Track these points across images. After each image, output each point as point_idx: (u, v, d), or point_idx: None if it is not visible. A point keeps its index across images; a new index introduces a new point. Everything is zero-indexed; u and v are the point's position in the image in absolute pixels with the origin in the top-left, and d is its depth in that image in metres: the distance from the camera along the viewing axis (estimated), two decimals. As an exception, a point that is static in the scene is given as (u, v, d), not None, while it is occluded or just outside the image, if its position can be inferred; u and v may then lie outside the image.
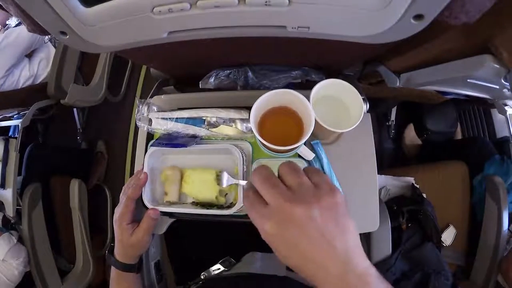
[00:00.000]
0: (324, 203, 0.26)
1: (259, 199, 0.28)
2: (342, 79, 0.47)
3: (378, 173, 0.53)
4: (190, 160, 0.53)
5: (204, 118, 0.50)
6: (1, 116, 1.17)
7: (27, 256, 0.94)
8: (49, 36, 1.11)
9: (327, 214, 0.26)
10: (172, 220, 0.55)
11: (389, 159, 1.31)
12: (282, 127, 0.47)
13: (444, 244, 0.85)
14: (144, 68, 1.56)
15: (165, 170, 0.51)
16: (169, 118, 0.51)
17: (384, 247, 0.61)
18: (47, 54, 1.14)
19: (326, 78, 0.47)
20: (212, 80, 0.59)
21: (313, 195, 0.27)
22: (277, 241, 0.27)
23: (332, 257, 0.25)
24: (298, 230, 0.26)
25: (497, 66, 0.50)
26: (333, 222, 0.26)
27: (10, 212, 0.97)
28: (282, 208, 0.26)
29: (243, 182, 0.47)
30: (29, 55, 1.11)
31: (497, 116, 1.12)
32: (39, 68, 1.11)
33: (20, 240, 0.97)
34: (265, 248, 0.58)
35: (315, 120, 0.42)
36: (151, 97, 0.58)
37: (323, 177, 0.29)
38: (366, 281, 0.25)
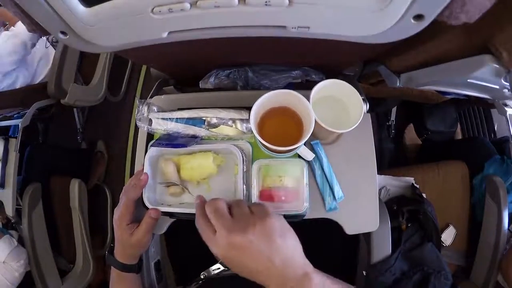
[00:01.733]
0: (258, 227, 0.34)
1: (208, 226, 0.36)
2: (342, 79, 0.47)
3: (378, 173, 0.53)
4: (189, 160, 0.53)
5: (204, 118, 0.50)
6: (1, 116, 1.17)
7: (27, 258, 0.94)
8: (47, 41, 1.11)
9: (261, 236, 0.33)
10: (172, 220, 0.55)
11: (389, 159, 1.31)
12: (282, 127, 0.47)
13: (444, 244, 0.85)
14: (144, 68, 1.56)
15: (161, 163, 0.52)
16: (169, 118, 0.51)
17: (384, 247, 0.61)
18: (47, 53, 1.14)
19: (326, 78, 0.47)
20: (212, 80, 0.59)
21: (249, 222, 0.34)
22: (227, 261, 0.35)
23: (272, 271, 0.33)
24: (240, 253, 0.33)
25: (497, 66, 0.50)
26: (267, 241, 0.33)
27: (9, 212, 0.97)
28: (226, 237, 0.33)
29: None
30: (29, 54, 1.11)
31: (497, 116, 1.12)
32: (39, 68, 1.11)
33: (20, 240, 0.97)
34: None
35: (315, 121, 0.42)
36: (151, 97, 0.58)
37: (261, 206, 0.37)
38: (303, 283, 0.32)
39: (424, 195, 0.85)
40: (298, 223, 0.42)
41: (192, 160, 0.51)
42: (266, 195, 0.47)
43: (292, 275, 0.32)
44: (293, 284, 0.32)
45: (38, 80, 1.13)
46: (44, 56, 1.13)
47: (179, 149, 0.50)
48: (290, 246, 0.34)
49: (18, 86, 1.07)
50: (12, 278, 0.88)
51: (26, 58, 1.08)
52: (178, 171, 0.51)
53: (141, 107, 0.52)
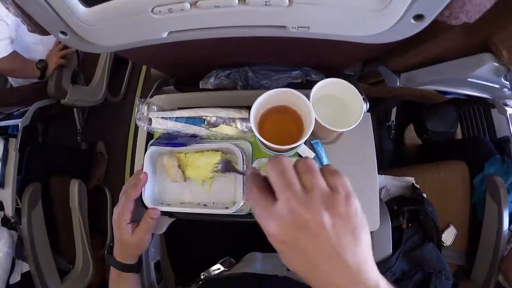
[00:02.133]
0: (337, 211, 0.24)
1: (265, 195, 0.26)
2: (342, 79, 0.47)
3: (378, 173, 0.53)
4: (189, 159, 0.53)
5: (204, 117, 0.50)
6: (1, 116, 1.17)
7: (10, 238, 0.92)
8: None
9: (340, 223, 0.24)
10: (172, 220, 0.55)
11: (389, 159, 1.31)
12: (282, 126, 0.46)
13: (444, 244, 0.85)
14: (144, 68, 1.56)
15: (164, 158, 0.52)
16: (169, 117, 0.51)
17: (384, 247, 0.60)
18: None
19: (326, 78, 0.47)
20: (212, 80, 0.59)
21: (328, 201, 0.24)
22: (283, 246, 0.25)
23: (342, 271, 0.24)
24: (308, 238, 0.24)
25: (497, 65, 0.50)
26: (346, 233, 0.24)
27: (9, 211, 0.97)
28: (294, 211, 0.24)
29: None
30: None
31: (497, 116, 1.12)
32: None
33: (20, 239, 0.97)
34: (265, 248, 0.58)
35: (315, 120, 0.42)
36: (151, 97, 0.58)
37: (341, 179, 0.26)
38: None
39: (424, 195, 0.85)
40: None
41: (200, 158, 0.50)
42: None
43: (364, 280, 0.24)
44: None
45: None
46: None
47: (184, 147, 0.50)
48: (368, 245, 0.25)
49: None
50: None
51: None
52: (184, 169, 0.51)
53: (141, 106, 0.52)
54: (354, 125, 0.44)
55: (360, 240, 0.24)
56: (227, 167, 0.46)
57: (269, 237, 0.25)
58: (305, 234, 0.24)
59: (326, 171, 0.26)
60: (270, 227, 0.25)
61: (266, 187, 0.26)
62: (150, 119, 0.52)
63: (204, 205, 0.51)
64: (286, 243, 0.25)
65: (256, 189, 0.26)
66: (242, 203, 0.47)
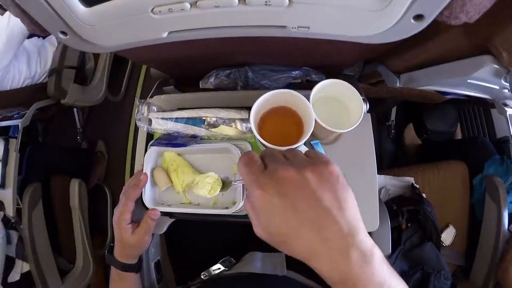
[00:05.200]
0: (319, 170, 0.25)
1: (256, 161, 0.28)
2: (342, 79, 0.47)
3: (378, 173, 0.53)
4: (189, 160, 0.53)
5: (204, 118, 0.50)
6: (1, 116, 1.17)
7: (3, 229, 0.91)
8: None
9: (323, 182, 0.25)
10: (172, 220, 0.55)
11: (389, 159, 1.31)
12: (282, 127, 0.47)
13: (443, 244, 0.85)
14: (144, 68, 1.56)
15: (165, 156, 0.52)
16: (169, 118, 0.51)
17: (384, 246, 0.61)
18: (46, 53, 1.14)
19: (326, 78, 0.47)
20: (212, 80, 0.59)
21: (309, 163, 0.26)
22: (271, 206, 0.25)
23: (334, 227, 0.23)
24: (295, 190, 0.24)
25: (497, 66, 0.50)
26: (330, 191, 0.25)
27: (10, 212, 0.97)
28: (277, 170, 0.26)
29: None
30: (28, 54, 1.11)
31: (497, 116, 1.12)
32: (38, 68, 1.11)
33: (20, 239, 0.97)
34: (265, 248, 0.58)
35: (315, 120, 0.42)
36: (151, 97, 0.58)
37: (319, 153, 0.29)
38: (369, 262, 0.23)
39: (424, 195, 0.85)
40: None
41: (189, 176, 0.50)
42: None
43: (358, 243, 0.23)
44: (357, 258, 0.23)
45: (39, 81, 1.12)
46: (44, 56, 1.12)
47: (185, 157, 0.50)
48: (355, 210, 0.25)
49: (19, 86, 1.07)
50: None
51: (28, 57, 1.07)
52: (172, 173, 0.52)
53: (141, 107, 0.52)
54: (354, 126, 0.44)
55: (346, 201, 0.25)
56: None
57: (257, 201, 0.26)
58: (292, 187, 0.25)
59: (308, 153, 0.29)
60: (260, 190, 0.25)
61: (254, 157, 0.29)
62: (150, 120, 0.52)
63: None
64: (274, 200, 0.25)
65: (247, 158, 0.28)
66: (242, 203, 0.47)
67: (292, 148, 0.30)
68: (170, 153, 0.52)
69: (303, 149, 0.50)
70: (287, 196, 0.24)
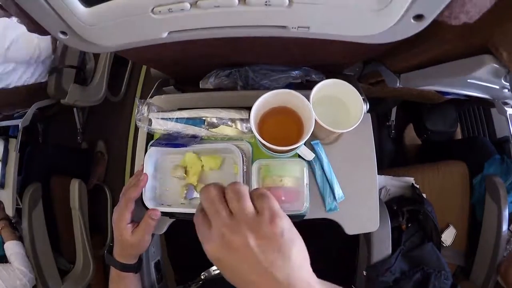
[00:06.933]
0: (262, 232, 0.27)
1: (205, 220, 0.29)
2: (342, 79, 0.47)
3: (378, 173, 0.53)
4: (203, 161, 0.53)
5: (204, 118, 0.50)
6: (1, 116, 1.17)
7: (32, 269, 0.93)
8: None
9: (265, 243, 0.26)
10: (172, 220, 0.55)
11: (389, 159, 1.31)
12: (282, 127, 0.47)
13: (444, 244, 0.85)
14: (144, 68, 1.56)
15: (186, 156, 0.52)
16: (169, 118, 0.51)
17: (384, 247, 0.61)
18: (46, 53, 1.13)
19: (326, 78, 0.47)
20: (212, 80, 0.59)
21: (252, 223, 0.27)
22: (219, 263, 0.28)
23: (271, 284, 0.26)
24: (237, 257, 0.27)
25: (497, 66, 0.50)
26: (273, 251, 0.26)
27: (10, 212, 0.97)
28: (222, 234, 0.27)
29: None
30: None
31: (497, 116, 1.12)
32: (38, 68, 1.11)
33: (20, 239, 0.97)
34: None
35: (315, 120, 0.42)
36: (151, 97, 0.58)
37: (267, 202, 0.28)
38: None
39: (424, 195, 0.85)
40: (298, 224, 0.42)
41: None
42: (266, 195, 0.47)
43: None
44: None
45: (38, 80, 1.12)
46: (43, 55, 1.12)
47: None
48: (298, 259, 0.27)
49: (20, 85, 1.07)
50: (12, 285, 0.86)
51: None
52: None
53: (141, 107, 0.52)
54: (354, 126, 0.44)
55: (288, 255, 0.27)
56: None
57: (208, 255, 0.29)
58: (234, 253, 0.27)
59: (253, 194, 0.29)
60: (208, 247, 0.28)
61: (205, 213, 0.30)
62: (150, 120, 0.52)
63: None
64: (220, 260, 0.28)
65: (200, 214, 0.30)
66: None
67: (238, 192, 0.29)
68: (191, 155, 0.52)
69: (303, 149, 0.50)
70: (231, 260, 0.27)
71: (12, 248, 0.91)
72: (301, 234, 0.32)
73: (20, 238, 0.97)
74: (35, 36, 0.95)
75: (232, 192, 0.29)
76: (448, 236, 0.86)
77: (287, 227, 0.28)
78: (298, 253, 0.27)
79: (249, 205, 0.28)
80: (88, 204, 1.19)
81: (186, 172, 0.52)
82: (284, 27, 0.35)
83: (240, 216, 0.28)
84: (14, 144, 1.00)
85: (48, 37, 1.01)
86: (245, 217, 0.27)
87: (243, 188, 0.29)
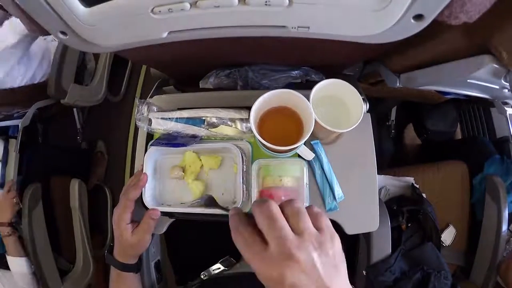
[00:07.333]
0: (326, 251, 0.28)
1: (255, 239, 0.28)
2: (342, 79, 0.47)
3: (378, 173, 0.53)
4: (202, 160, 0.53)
5: (204, 118, 0.50)
6: (1, 116, 1.17)
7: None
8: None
9: (327, 261, 0.28)
10: (172, 220, 0.55)
11: (389, 159, 1.31)
12: (282, 127, 0.47)
13: (443, 244, 0.85)
14: (144, 68, 1.56)
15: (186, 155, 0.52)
16: (169, 118, 0.51)
17: (384, 247, 0.61)
18: (47, 53, 1.13)
19: (326, 78, 0.47)
20: (212, 79, 0.59)
21: (316, 242, 0.28)
22: (271, 283, 0.27)
23: None
24: (303, 275, 0.26)
25: (497, 66, 0.50)
26: (331, 268, 0.28)
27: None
28: (287, 253, 0.26)
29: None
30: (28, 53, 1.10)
31: (497, 116, 1.12)
32: (38, 68, 1.11)
33: (20, 239, 0.97)
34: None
35: (315, 120, 0.42)
36: (151, 97, 0.58)
37: (325, 221, 0.30)
38: None
39: (424, 195, 0.85)
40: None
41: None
42: (266, 195, 0.47)
43: None
44: None
45: (38, 80, 1.12)
46: (44, 56, 1.12)
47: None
48: (345, 274, 0.30)
49: (17, 85, 1.07)
50: None
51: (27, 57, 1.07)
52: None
53: (141, 107, 0.52)
54: (354, 126, 0.44)
55: (341, 271, 0.29)
56: (209, 203, 0.48)
57: (259, 276, 0.28)
58: (300, 273, 0.26)
59: (311, 213, 0.30)
60: (264, 267, 0.27)
61: (253, 229, 0.29)
62: (150, 120, 0.52)
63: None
64: (282, 283, 0.27)
65: (245, 233, 0.29)
66: (241, 203, 0.47)
67: (298, 210, 0.29)
68: (191, 154, 0.52)
69: (303, 148, 0.50)
70: (294, 276, 0.26)
71: (15, 266, 0.91)
72: None
73: (20, 238, 0.97)
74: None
75: (292, 210, 0.29)
76: (448, 236, 0.86)
77: (340, 245, 0.30)
78: (345, 268, 0.30)
79: (310, 224, 0.29)
80: (88, 204, 1.19)
81: (184, 171, 0.52)
82: (284, 27, 0.35)
83: (305, 235, 0.28)
84: (14, 144, 1.00)
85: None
86: (309, 235, 0.28)
87: (302, 206, 0.30)
